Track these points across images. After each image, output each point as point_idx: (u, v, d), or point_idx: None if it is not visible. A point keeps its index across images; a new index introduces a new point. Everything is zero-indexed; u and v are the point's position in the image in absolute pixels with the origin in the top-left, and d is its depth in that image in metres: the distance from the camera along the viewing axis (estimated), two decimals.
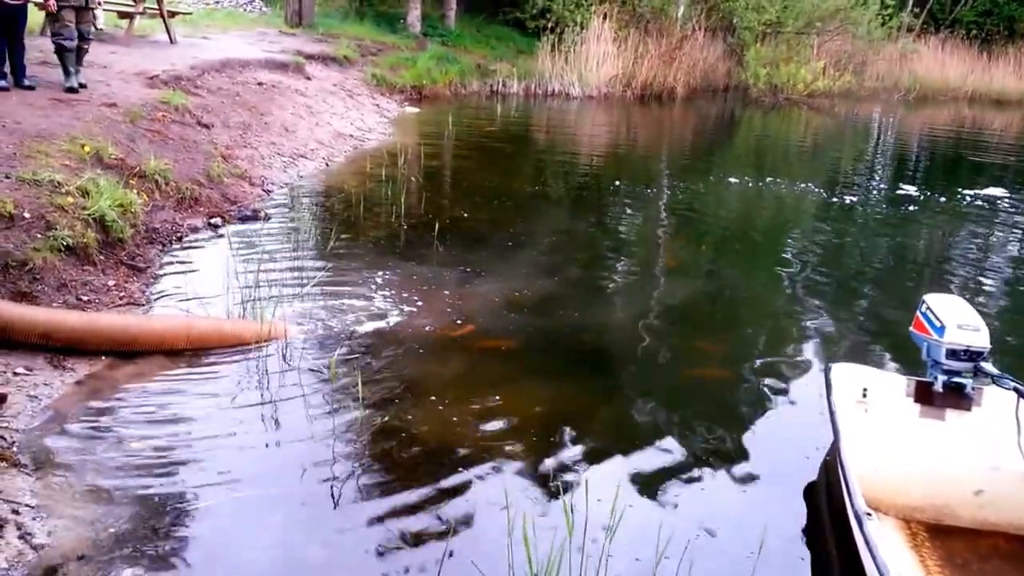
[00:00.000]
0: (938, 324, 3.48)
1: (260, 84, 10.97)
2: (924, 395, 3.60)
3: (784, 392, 4.72)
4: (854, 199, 10.23)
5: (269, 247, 6.34)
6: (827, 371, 3.85)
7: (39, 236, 4.86)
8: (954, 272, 7.39)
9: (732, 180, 10.82)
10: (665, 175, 11.68)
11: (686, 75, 20.35)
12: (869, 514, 2.89)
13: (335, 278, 5.76)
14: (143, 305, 5.07)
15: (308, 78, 12.87)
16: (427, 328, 5.08)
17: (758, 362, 5.15)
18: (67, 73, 7.69)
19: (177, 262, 5.87)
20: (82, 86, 7.97)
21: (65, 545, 2.97)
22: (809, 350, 5.33)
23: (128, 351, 4.41)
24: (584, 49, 18.72)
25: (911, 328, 3.69)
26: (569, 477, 3.66)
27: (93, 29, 8.16)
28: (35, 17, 9.19)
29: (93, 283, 5.02)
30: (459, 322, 5.21)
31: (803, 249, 7.83)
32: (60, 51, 7.65)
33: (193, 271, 5.73)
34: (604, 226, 8.41)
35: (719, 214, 9.40)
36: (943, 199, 10.44)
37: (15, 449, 3.48)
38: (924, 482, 3.47)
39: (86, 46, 8.09)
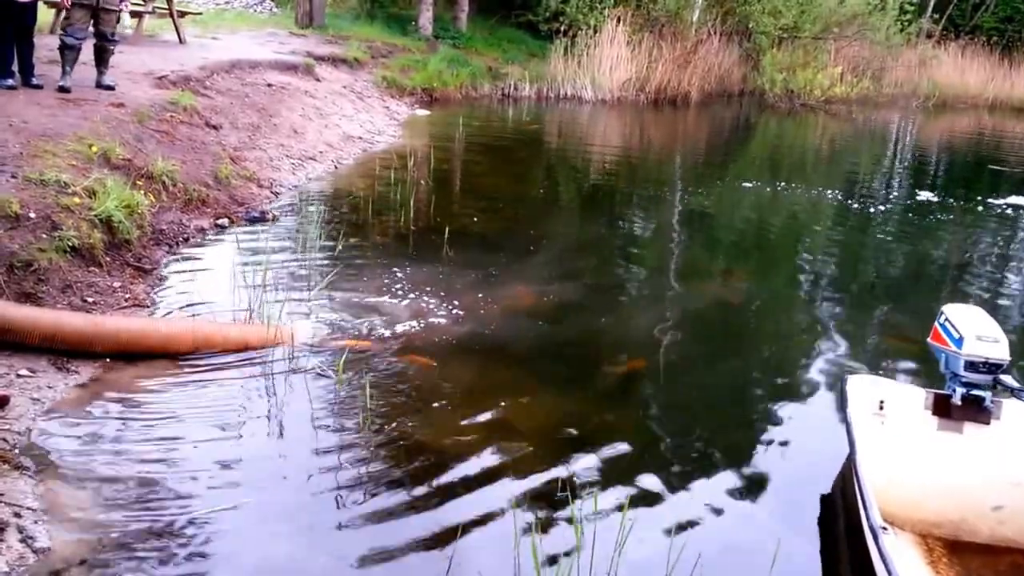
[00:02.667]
0: (957, 335, 3.42)
1: (269, 85, 10.97)
2: (942, 408, 3.54)
3: (800, 403, 4.65)
4: (872, 206, 10.13)
5: (277, 250, 6.30)
6: (843, 382, 3.81)
7: (45, 237, 4.84)
8: (973, 282, 7.30)
9: (747, 186, 10.76)
10: (679, 180, 11.63)
11: (701, 80, 20.25)
12: (885, 528, 2.84)
13: (343, 281, 5.71)
14: (149, 307, 5.04)
15: (318, 80, 12.86)
16: (435, 333, 5.03)
17: (773, 372, 5.11)
18: (63, 72, 7.66)
19: (183, 264, 5.84)
20: (109, 88, 7.98)
21: (67, 549, 2.94)
22: (825, 360, 5.25)
23: (132, 354, 4.36)
24: (597, 52, 18.64)
25: (929, 339, 3.63)
26: (578, 488, 3.60)
27: (114, 30, 8.14)
28: (45, 16, 9.22)
29: (99, 284, 4.99)
30: (468, 328, 5.15)
31: (819, 257, 7.75)
32: (63, 48, 7.63)
33: (200, 273, 5.70)
34: (616, 232, 8.36)
35: (734, 221, 9.34)
36: (962, 207, 10.35)
37: (17, 452, 3.45)
38: (941, 496, 3.41)
39: (111, 47, 8.11)
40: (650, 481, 3.74)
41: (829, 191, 10.83)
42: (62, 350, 4.23)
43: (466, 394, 4.36)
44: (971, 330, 3.39)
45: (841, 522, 3.55)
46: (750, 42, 21.98)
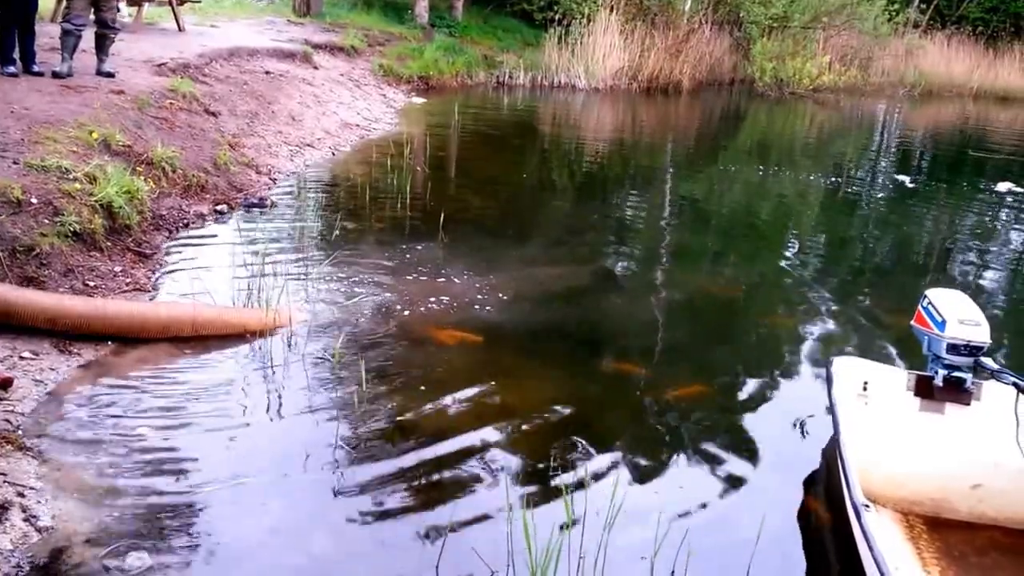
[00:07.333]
0: (939, 319, 3.48)
1: (268, 73, 10.98)
2: (924, 389, 3.61)
3: (785, 384, 4.74)
4: (858, 192, 10.24)
5: (275, 235, 6.36)
6: (828, 364, 3.87)
7: (46, 222, 4.87)
8: (956, 267, 7.41)
9: (737, 172, 10.83)
10: (671, 167, 11.69)
11: (692, 68, 20.31)
12: (867, 506, 2.91)
13: (340, 266, 5.77)
14: (149, 291, 5.09)
15: (315, 67, 12.88)
16: (432, 317, 5.09)
17: (760, 354, 5.17)
18: (62, 58, 7.66)
19: (183, 249, 5.87)
20: (110, 75, 7.99)
21: (70, 528, 2.98)
22: (811, 343, 5.34)
23: (134, 337, 4.43)
24: (591, 41, 18.67)
25: (912, 322, 3.70)
26: (569, 467, 3.67)
27: (115, 18, 8.16)
28: (46, 3, 9.21)
29: (100, 269, 5.03)
30: (464, 312, 5.23)
31: (806, 241, 7.84)
32: (64, 35, 7.64)
33: (199, 258, 5.74)
34: (609, 217, 8.42)
35: (724, 206, 9.42)
36: (947, 193, 10.46)
37: (20, 432, 3.50)
38: (923, 475, 3.48)
39: (112, 35, 8.12)
40: (637, 460, 3.82)
41: (816, 177, 10.92)
42: (64, 333, 4.28)
43: (461, 376, 4.42)
44: (953, 313, 3.46)
45: (825, 500, 3.62)
46: (741, 31, 22.06)
